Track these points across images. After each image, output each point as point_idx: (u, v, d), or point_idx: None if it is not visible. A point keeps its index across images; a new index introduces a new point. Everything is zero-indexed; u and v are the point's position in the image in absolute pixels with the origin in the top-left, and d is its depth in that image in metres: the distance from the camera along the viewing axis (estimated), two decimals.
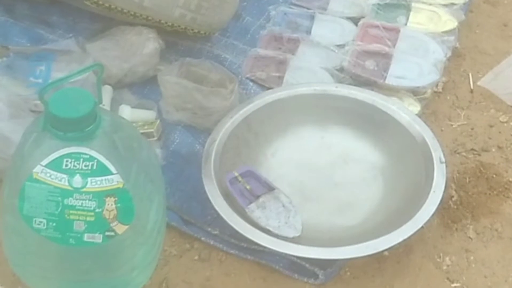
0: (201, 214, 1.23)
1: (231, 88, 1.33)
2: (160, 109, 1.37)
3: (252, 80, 1.45)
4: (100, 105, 1.27)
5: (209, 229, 1.21)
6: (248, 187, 1.22)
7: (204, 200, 1.19)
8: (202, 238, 1.21)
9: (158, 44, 1.42)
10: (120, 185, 0.97)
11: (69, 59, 1.37)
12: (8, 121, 1.24)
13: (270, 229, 1.16)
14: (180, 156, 1.32)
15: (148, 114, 1.36)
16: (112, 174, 0.97)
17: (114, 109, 1.34)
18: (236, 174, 1.23)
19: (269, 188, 1.22)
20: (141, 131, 1.30)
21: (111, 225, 0.98)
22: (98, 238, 0.98)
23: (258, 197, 1.21)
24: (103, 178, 0.97)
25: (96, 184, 0.96)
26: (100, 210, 0.97)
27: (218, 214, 1.17)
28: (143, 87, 1.43)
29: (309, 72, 1.45)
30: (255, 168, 1.26)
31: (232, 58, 1.48)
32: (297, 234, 1.17)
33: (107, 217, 0.97)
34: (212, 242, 1.20)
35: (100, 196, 0.97)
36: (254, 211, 1.19)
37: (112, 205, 0.97)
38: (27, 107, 1.29)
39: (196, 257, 1.19)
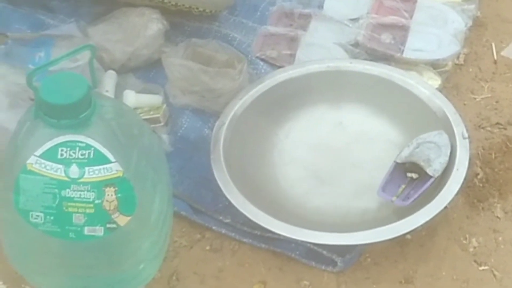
0: (212, 202, 1.21)
1: (239, 68, 1.30)
2: (167, 93, 1.35)
3: (262, 59, 1.42)
4: (104, 92, 1.27)
5: (221, 217, 1.19)
6: None
7: (214, 187, 1.17)
8: (214, 227, 1.18)
9: (162, 25, 1.39)
10: (120, 174, 0.94)
11: (70, 44, 1.34)
12: (7, 111, 1.22)
13: None
14: (189, 141, 1.30)
15: (154, 99, 1.33)
16: (110, 162, 0.94)
17: (118, 95, 1.32)
18: None
19: None
20: (147, 116, 1.28)
21: (112, 216, 0.95)
22: (99, 231, 0.96)
23: None
24: (101, 167, 0.94)
25: (94, 173, 0.94)
26: (99, 201, 0.94)
27: (229, 202, 1.14)
28: (149, 71, 1.40)
29: (322, 49, 1.42)
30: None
31: (241, 37, 1.45)
32: None
33: (108, 208, 0.95)
34: (224, 231, 1.18)
35: (99, 186, 0.94)
36: None
37: (112, 195, 0.95)
38: (27, 96, 1.24)
39: (207, 248, 1.17)
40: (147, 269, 1.06)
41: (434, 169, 1.15)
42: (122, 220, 0.96)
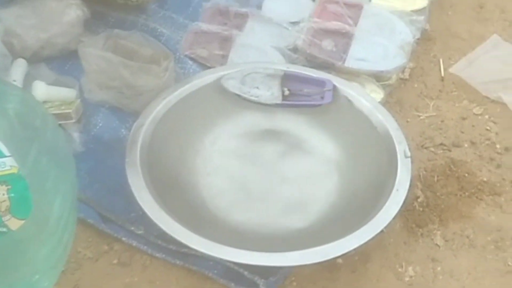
0: (124, 211, 1.15)
1: (165, 66, 1.26)
2: (82, 88, 1.29)
3: (191, 58, 1.39)
4: (12, 81, 1.20)
5: (132, 228, 1.14)
6: None
7: (127, 194, 1.11)
8: (123, 239, 1.13)
9: (82, 12, 1.35)
10: (14, 170, 0.90)
11: None
12: None
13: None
14: (103, 142, 1.24)
15: (67, 93, 1.28)
16: (4, 156, 0.90)
17: (27, 87, 1.26)
18: None
19: None
20: (57, 111, 1.23)
21: (3, 219, 0.91)
22: None
23: None
24: None
25: None
26: None
27: (143, 211, 1.08)
28: (64, 62, 1.35)
29: (257, 51, 1.40)
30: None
31: (170, 33, 1.41)
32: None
33: None
34: (135, 244, 1.12)
35: None
36: None
37: (4, 194, 0.90)
38: None
39: (115, 261, 1.11)
40: (43, 281, 0.98)
41: None
42: (14, 223, 0.91)
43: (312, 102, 1.22)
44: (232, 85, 1.21)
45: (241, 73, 1.22)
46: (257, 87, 1.20)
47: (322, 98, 1.22)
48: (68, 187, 0.98)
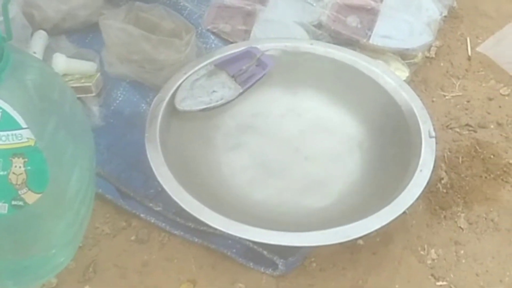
0: (142, 187, 1.14)
1: (186, 39, 1.23)
2: (103, 61, 1.28)
3: (213, 33, 1.37)
4: (31, 53, 1.17)
5: (151, 204, 1.13)
6: None
7: (147, 170, 1.10)
8: (142, 215, 1.12)
9: None
10: (31, 143, 0.87)
11: None
12: None
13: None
14: (123, 116, 1.23)
15: (87, 66, 1.27)
16: (21, 128, 0.86)
17: (47, 59, 1.25)
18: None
19: None
20: (77, 84, 1.21)
21: (19, 192, 0.87)
22: (2, 208, 0.88)
23: None
24: (9, 133, 0.86)
25: (0, 140, 0.86)
26: (4, 173, 0.86)
27: (162, 187, 1.07)
28: (85, 35, 1.34)
29: (280, 26, 1.37)
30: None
31: (193, 7, 1.40)
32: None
33: (14, 182, 0.87)
34: (153, 220, 1.11)
35: (5, 156, 0.86)
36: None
37: (20, 167, 0.87)
38: None
39: (133, 238, 1.11)
40: (59, 256, 0.99)
41: None
42: (30, 197, 0.88)
43: (262, 74, 1.20)
44: (191, 104, 1.16)
45: (184, 91, 1.17)
46: (214, 91, 1.17)
47: (263, 67, 1.21)
48: (86, 161, 0.97)
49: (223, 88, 1.17)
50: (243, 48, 1.23)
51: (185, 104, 1.14)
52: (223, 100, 1.16)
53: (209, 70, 1.18)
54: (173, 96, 1.16)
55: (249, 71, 1.20)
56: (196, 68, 1.22)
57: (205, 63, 1.24)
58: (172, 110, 1.17)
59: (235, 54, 1.21)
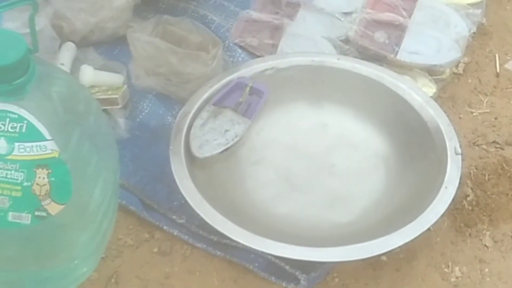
0: (166, 199, 1.14)
1: (213, 53, 1.23)
2: (130, 73, 1.28)
3: (241, 47, 1.37)
4: (59, 65, 1.20)
5: (174, 217, 1.12)
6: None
7: (171, 182, 1.10)
8: (165, 227, 1.12)
9: None
10: (55, 154, 0.87)
11: (24, 7, 1.22)
12: None
13: None
14: (148, 129, 1.23)
15: (114, 78, 1.27)
16: (45, 140, 0.86)
17: (75, 71, 1.25)
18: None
19: None
20: (104, 96, 1.21)
21: (43, 203, 0.88)
22: (25, 218, 0.88)
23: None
24: (34, 144, 0.86)
25: (24, 151, 0.86)
26: (29, 184, 0.87)
27: (185, 200, 1.08)
28: (113, 47, 1.34)
29: (308, 41, 1.36)
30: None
31: (220, 21, 1.40)
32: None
33: (38, 193, 0.87)
34: (176, 233, 1.11)
35: (30, 167, 0.86)
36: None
37: (44, 178, 0.87)
38: None
39: (155, 250, 1.10)
40: (82, 267, 0.99)
41: None
42: (53, 208, 0.88)
43: (262, 101, 1.20)
44: (210, 149, 1.14)
45: (197, 139, 1.15)
46: (226, 130, 1.16)
47: (259, 94, 1.20)
48: (110, 173, 0.97)
49: (233, 125, 1.16)
50: (232, 82, 1.21)
51: (203, 151, 1.13)
52: (237, 137, 1.15)
53: (211, 111, 1.18)
54: (188, 140, 1.15)
55: (246, 102, 1.19)
56: (223, 81, 1.22)
57: (231, 76, 1.23)
58: (196, 125, 1.16)
59: (226, 90, 1.20)
